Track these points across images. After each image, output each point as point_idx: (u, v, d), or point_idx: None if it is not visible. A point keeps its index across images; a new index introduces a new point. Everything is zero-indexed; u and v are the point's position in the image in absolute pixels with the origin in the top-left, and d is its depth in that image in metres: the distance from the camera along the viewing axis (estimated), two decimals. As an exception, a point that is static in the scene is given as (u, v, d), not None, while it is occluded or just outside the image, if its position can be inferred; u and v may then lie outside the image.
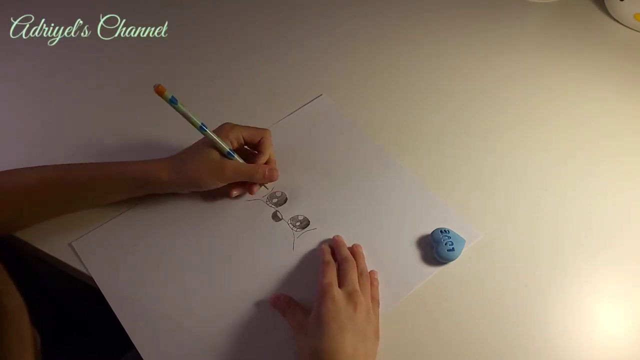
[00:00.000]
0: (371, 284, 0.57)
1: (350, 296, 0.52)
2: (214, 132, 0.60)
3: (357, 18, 0.86)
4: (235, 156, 0.61)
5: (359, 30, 0.85)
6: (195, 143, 0.62)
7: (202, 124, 0.59)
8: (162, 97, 0.56)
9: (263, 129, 0.63)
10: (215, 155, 0.60)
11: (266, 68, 0.79)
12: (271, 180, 0.63)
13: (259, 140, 0.63)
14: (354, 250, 0.59)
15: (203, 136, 0.60)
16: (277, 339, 0.54)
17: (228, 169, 0.60)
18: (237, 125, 0.62)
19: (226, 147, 0.60)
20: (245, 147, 0.64)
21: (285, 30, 0.84)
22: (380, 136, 0.71)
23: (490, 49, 0.82)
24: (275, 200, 0.65)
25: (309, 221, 0.63)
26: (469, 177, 0.67)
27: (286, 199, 0.65)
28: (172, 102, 0.57)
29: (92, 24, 0.83)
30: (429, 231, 0.61)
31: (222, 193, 0.64)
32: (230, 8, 0.88)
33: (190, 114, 0.58)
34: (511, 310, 0.57)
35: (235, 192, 0.63)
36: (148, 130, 0.71)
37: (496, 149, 0.70)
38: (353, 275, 0.55)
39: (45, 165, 0.60)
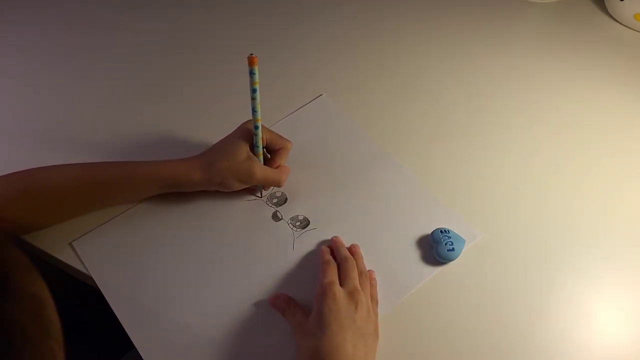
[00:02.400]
0: (370, 283, 0.57)
1: (352, 295, 0.52)
2: (244, 130, 0.60)
3: (357, 17, 0.86)
4: (261, 155, 0.62)
5: (359, 30, 0.84)
6: (227, 137, 0.62)
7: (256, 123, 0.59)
8: (252, 69, 0.56)
9: (287, 139, 0.63)
10: (245, 152, 0.60)
11: (266, 68, 0.78)
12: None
13: (278, 149, 0.63)
14: (352, 250, 0.59)
15: (231, 132, 0.61)
16: (277, 339, 0.55)
17: (257, 175, 0.60)
18: (263, 126, 0.61)
19: (261, 144, 0.60)
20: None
21: (284, 30, 0.84)
22: (381, 136, 0.71)
23: (490, 49, 0.82)
24: (275, 200, 0.65)
25: (309, 221, 0.63)
26: (469, 177, 0.67)
27: (286, 199, 0.65)
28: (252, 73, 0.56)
29: (90, 22, 0.83)
30: (429, 231, 0.61)
31: (222, 193, 0.64)
32: (230, 8, 0.87)
33: (258, 95, 0.58)
34: (511, 310, 0.57)
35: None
36: (147, 128, 0.71)
37: (496, 148, 0.70)
38: (354, 275, 0.55)
39: (71, 164, 0.59)
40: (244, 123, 0.61)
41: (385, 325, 0.55)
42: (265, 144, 0.62)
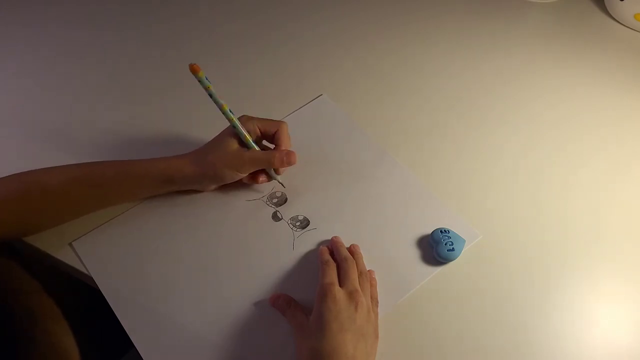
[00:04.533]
0: (370, 283, 0.57)
1: (352, 296, 0.52)
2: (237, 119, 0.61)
3: (357, 16, 0.86)
4: (254, 146, 0.61)
5: (359, 29, 0.84)
6: (216, 136, 0.62)
7: (229, 109, 0.60)
8: (196, 76, 0.57)
9: (279, 121, 0.63)
10: (235, 145, 0.60)
11: (266, 67, 0.79)
12: (290, 164, 0.62)
13: (275, 133, 0.62)
14: (352, 250, 0.59)
15: (220, 131, 0.61)
16: (277, 339, 0.55)
17: (246, 157, 0.60)
18: (253, 117, 0.62)
19: (246, 134, 0.61)
20: (264, 141, 0.64)
21: (284, 29, 0.84)
22: (381, 136, 0.71)
23: (490, 49, 0.82)
24: (275, 200, 0.65)
25: (309, 221, 0.63)
26: (470, 177, 0.67)
27: (286, 199, 0.65)
28: (206, 80, 0.58)
29: (90, 21, 0.83)
30: (429, 231, 0.61)
31: (223, 192, 0.64)
32: (230, 5, 0.87)
33: (217, 97, 0.59)
34: (511, 310, 0.57)
35: (261, 179, 0.63)
36: (145, 126, 0.71)
37: (497, 148, 0.70)
38: (354, 275, 0.55)
39: (69, 165, 0.59)
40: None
41: (385, 325, 0.55)
42: (259, 134, 0.62)
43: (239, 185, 0.65)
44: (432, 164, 0.68)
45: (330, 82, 0.77)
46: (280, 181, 0.64)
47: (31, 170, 0.58)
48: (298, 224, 0.63)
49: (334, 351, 0.48)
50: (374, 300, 0.56)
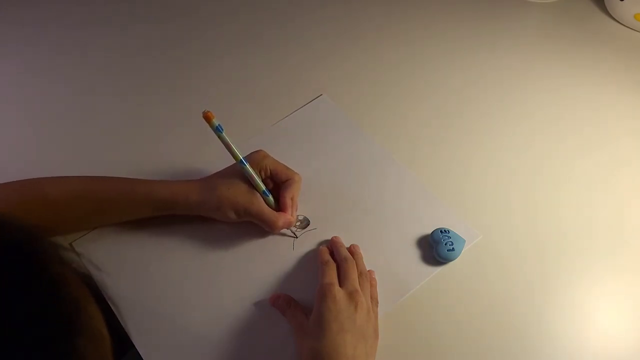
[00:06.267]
0: (370, 283, 0.57)
1: (352, 296, 0.52)
2: (248, 159, 0.58)
3: (357, 16, 0.86)
4: (270, 196, 0.59)
5: (359, 29, 0.84)
6: (229, 169, 0.60)
7: (242, 158, 0.57)
8: (209, 124, 0.55)
9: (294, 172, 0.61)
10: (245, 187, 0.58)
11: (266, 67, 0.79)
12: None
13: (285, 181, 0.60)
14: (352, 251, 0.59)
15: (234, 163, 0.58)
16: (277, 339, 0.55)
17: (253, 210, 0.58)
18: (269, 156, 0.60)
19: (262, 186, 0.59)
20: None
21: (284, 28, 0.84)
22: (380, 136, 0.71)
23: (490, 49, 0.82)
24: (275, 200, 0.65)
25: (309, 221, 0.63)
26: (470, 177, 0.67)
27: (286, 199, 0.65)
28: (218, 130, 0.56)
29: (82, 18, 0.83)
30: (429, 231, 0.61)
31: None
32: (230, 5, 0.87)
33: (233, 146, 0.57)
34: (511, 310, 0.57)
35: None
36: (145, 125, 0.72)
37: (497, 148, 0.70)
38: (354, 275, 0.55)
39: (73, 177, 0.58)
40: (246, 156, 0.59)
41: (385, 325, 0.55)
42: (269, 174, 0.60)
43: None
44: (432, 164, 0.68)
45: (330, 82, 0.77)
46: (294, 231, 0.62)
47: (35, 179, 0.57)
48: (298, 224, 0.63)
49: (334, 352, 0.48)
50: (373, 300, 0.56)
